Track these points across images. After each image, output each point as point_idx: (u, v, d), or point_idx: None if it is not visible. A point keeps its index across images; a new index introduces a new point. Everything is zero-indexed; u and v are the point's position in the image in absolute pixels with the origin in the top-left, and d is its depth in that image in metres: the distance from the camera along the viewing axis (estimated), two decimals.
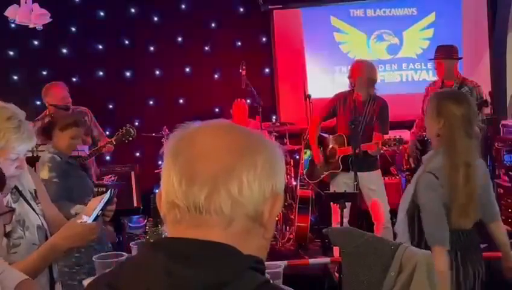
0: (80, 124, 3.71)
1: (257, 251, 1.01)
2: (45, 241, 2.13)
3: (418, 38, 7.37)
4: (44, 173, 3.54)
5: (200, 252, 0.95)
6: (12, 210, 1.76)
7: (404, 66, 7.46)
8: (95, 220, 2.09)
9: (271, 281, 1.01)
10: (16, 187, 2.10)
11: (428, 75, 7.23)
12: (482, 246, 2.96)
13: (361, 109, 4.84)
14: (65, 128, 3.61)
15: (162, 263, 0.94)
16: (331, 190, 4.99)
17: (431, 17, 7.33)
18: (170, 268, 0.93)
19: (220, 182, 0.96)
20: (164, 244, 1.00)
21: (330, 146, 5.06)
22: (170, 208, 0.99)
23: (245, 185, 0.97)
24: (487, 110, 5.33)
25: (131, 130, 4.75)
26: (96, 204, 2.13)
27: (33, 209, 2.15)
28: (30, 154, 4.22)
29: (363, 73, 4.83)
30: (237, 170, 0.97)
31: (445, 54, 5.11)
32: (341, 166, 4.92)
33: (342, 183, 4.91)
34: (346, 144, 4.90)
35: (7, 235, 2.00)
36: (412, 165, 5.29)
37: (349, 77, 4.96)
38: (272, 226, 1.03)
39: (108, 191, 2.15)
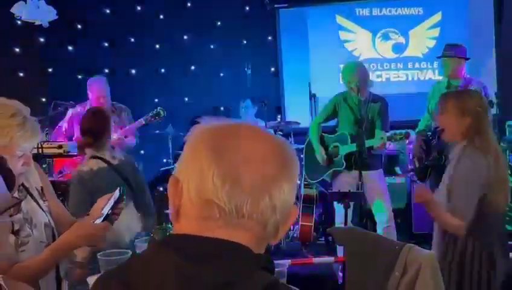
0: None
1: (262, 251, 1.02)
2: (53, 239, 2.13)
3: (424, 37, 7.35)
4: None
5: (212, 250, 0.95)
6: (20, 201, 1.76)
7: (410, 65, 7.44)
8: (105, 219, 2.08)
9: (280, 281, 1.01)
10: (23, 185, 2.10)
11: (434, 74, 7.21)
12: None
13: (362, 108, 4.84)
14: None
15: (172, 261, 0.94)
16: (334, 189, 4.98)
17: (437, 17, 7.30)
18: (180, 266, 0.93)
19: (266, 189, 0.97)
20: (174, 242, 0.99)
21: (333, 145, 5.06)
22: (206, 206, 0.97)
23: (284, 193, 0.98)
24: (493, 111, 5.31)
25: (161, 111, 5.18)
26: (104, 203, 2.13)
27: (40, 207, 2.15)
28: (35, 151, 4.25)
29: (357, 76, 4.84)
30: (280, 178, 0.98)
31: (453, 52, 5.08)
32: (344, 164, 4.92)
33: (345, 182, 4.90)
34: (349, 142, 4.90)
35: (16, 233, 2.00)
36: (417, 165, 5.26)
37: (346, 81, 4.95)
38: (283, 233, 1.04)
39: (117, 190, 2.14)
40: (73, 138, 5.23)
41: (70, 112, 5.54)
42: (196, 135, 1.01)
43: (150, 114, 5.33)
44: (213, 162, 0.96)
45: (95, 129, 3.36)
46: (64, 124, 5.52)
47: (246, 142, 0.99)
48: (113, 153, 3.39)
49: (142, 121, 5.33)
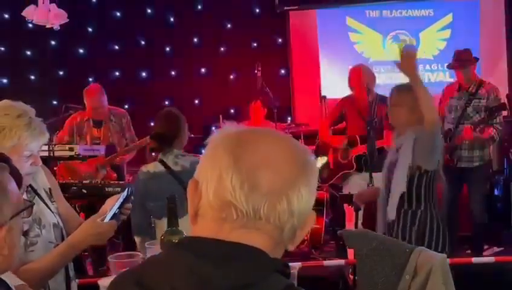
0: None
1: (279, 256, 1.03)
2: (61, 240, 2.15)
3: (434, 39, 7.31)
4: None
5: (227, 253, 0.96)
6: (32, 204, 1.77)
7: (421, 67, 7.37)
8: (112, 218, 2.10)
9: (295, 285, 1.01)
10: (30, 186, 2.12)
11: (445, 76, 7.17)
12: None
13: (370, 110, 4.84)
14: None
15: (187, 263, 0.95)
16: (344, 191, 4.97)
17: (448, 18, 7.27)
18: (196, 268, 0.94)
19: (283, 192, 0.97)
20: (189, 244, 1.00)
21: (343, 147, 5.06)
22: (224, 207, 0.97)
23: (301, 198, 0.99)
24: (504, 113, 5.27)
25: None
26: (113, 203, 2.14)
27: (48, 208, 2.17)
28: (46, 153, 4.26)
29: (364, 78, 4.84)
30: (298, 182, 0.99)
31: (461, 63, 5.04)
32: (355, 166, 4.92)
33: (355, 184, 4.90)
34: (359, 144, 4.90)
35: (25, 233, 2.02)
36: None
37: (351, 85, 4.96)
38: (300, 239, 1.05)
39: (126, 190, 2.16)
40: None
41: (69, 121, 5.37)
42: (216, 138, 1.03)
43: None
44: (232, 165, 0.97)
45: (161, 134, 3.35)
46: (65, 137, 5.32)
47: (264, 146, 1.00)
48: (177, 159, 3.32)
49: (147, 139, 5.22)
